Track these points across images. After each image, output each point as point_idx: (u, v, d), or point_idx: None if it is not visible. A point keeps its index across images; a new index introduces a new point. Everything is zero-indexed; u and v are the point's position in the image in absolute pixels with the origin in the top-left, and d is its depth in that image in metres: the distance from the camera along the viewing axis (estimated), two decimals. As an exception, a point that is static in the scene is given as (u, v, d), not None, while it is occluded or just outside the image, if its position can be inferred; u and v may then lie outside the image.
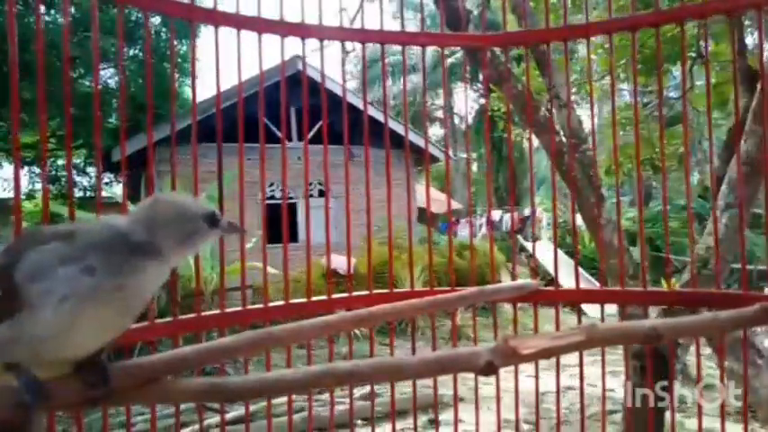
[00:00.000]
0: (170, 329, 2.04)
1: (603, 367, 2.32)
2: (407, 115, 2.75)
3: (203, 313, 2.12)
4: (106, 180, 14.43)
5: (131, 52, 11.15)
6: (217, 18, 2.16)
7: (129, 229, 0.97)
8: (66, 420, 4.06)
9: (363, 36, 2.48)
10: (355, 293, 2.41)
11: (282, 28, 2.27)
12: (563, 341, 1.20)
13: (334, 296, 2.36)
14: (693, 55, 4.83)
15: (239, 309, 2.17)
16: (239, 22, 2.19)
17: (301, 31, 2.31)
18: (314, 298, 2.32)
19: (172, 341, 2.02)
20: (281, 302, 2.26)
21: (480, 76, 14.06)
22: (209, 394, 1.09)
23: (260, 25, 2.24)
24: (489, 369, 1.12)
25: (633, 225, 11.35)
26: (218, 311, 2.15)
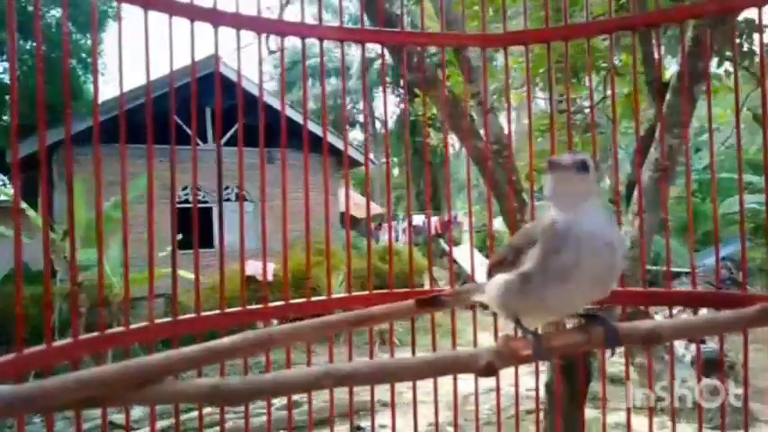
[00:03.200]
0: (170, 330, 2.04)
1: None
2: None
3: (205, 314, 2.12)
4: (-1, 183, 12.74)
5: (27, 45, 9.99)
6: (217, 17, 2.15)
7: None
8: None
9: (362, 36, 2.48)
10: (354, 294, 2.40)
11: (282, 27, 2.27)
12: (564, 341, 1.20)
13: (339, 295, 2.36)
14: (605, 65, 4.89)
15: (239, 309, 2.17)
16: (239, 21, 2.18)
17: (302, 30, 2.30)
18: (313, 298, 2.32)
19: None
20: (280, 302, 2.25)
21: (401, 81, 13.85)
22: (209, 395, 1.09)
23: (260, 25, 2.24)
24: (489, 370, 1.13)
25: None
26: (218, 311, 2.14)
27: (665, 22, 2.51)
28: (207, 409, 2.25)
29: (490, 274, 1.30)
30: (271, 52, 4.26)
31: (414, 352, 2.48)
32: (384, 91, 3.22)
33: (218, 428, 2.24)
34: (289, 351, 2.24)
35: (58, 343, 1.76)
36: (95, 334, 1.88)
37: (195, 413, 2.43)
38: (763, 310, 1.29)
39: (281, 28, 2.27)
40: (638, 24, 2.41)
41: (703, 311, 2.27)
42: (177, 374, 1.23)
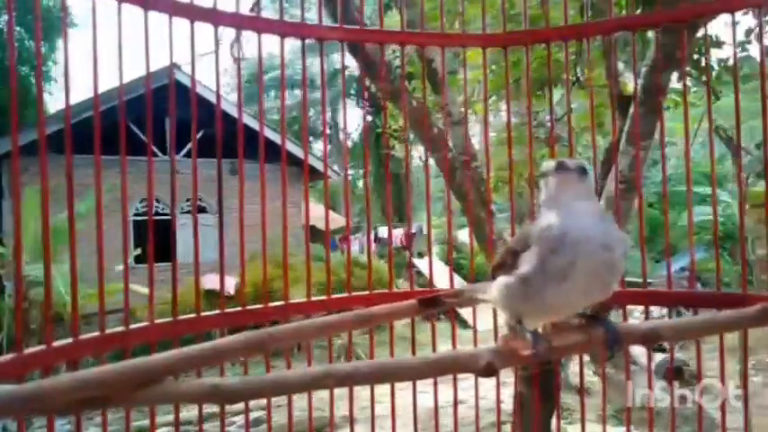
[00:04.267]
0: (170, 330, 2.04)
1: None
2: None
3: (205, 313, 2.12)
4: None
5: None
6: (217, 18, 2.15)
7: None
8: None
9: (362, 35, 2.48)
10: (354, 294, 2.39)
11: (282, 28, 2.27)
12: (564, 342, 1.20)
13: (335, 295, 2.35)
14: (572, 79, 4.94)
15: (238, 309, 2.17)
16: (239, 21, 2.18)
17: (301, 30, 2.30)
18: (313, 298, 2.31)
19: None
20: (280, 303, 2.25)
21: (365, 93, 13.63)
22: (210, 395, 1.09)
23: (260, 25, 2.24)
24: (489, 370, 1.12)
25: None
26: (217, 311, 2.14)
27: (666, 22, 2.49)
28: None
29: (493, 276, 1.32)
30: (235, 59, 4.21)
31: (414, 352, 2.48)
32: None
33: None
34: (288, 353, 2.24)
35: (58, 343, 1.76)
36: (95, 334, 1.88)
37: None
38: (764, 310, 1.29)
39: (280, 28, 2.27)
40: (638, 25, 2.40)
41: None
42: (178, 375, 1.23)
